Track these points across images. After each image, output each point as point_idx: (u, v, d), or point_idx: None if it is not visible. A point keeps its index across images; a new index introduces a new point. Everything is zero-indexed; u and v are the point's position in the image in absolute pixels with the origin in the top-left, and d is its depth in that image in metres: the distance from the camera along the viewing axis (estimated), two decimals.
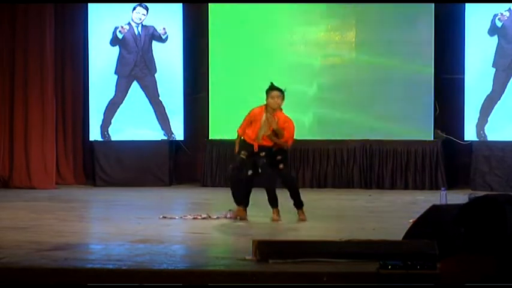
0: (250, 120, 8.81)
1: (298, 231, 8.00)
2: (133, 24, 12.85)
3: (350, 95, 12.59)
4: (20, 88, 12.62)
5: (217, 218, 8.94)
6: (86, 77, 13.03)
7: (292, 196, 8.85)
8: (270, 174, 8.77)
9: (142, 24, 12.87)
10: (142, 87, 12.90)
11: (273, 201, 8.79)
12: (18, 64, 12.63)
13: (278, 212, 8.81)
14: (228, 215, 8.95)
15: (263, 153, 8.70)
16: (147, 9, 12.86)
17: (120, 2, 12.90)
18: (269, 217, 8.85)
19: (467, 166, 12.37)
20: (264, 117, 8.71)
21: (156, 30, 12.83)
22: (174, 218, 8.94)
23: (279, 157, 8.76)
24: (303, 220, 8.76)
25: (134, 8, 12.85)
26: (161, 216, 9.00)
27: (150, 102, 12.89)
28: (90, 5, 12.83)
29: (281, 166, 8.79)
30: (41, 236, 7.67)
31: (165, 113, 12.89)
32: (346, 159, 12.53)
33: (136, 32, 12.86)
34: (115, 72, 12.89)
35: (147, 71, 12.86)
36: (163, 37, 12.83)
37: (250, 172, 8.68)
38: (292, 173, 9.09)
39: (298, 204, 8.85)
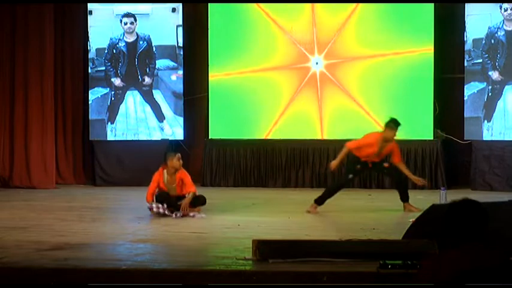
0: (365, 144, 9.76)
1: (297, 231, 7.99)
2: (127, 35, 12.84)
3: (350, 94, 12.58)
4: (20, 88, 12.63)
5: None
6: (86, 77, 13.03)
7: (401, 190, 9.84)
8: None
9: (136, 33, 12.85)
10: (140, 91, 12.93)
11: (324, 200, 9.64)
12: (18, 64, 12.64)
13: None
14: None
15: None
16: (133, 16, 12.83)
17: (119, 2, 12.90)
18: (268, 217, 8.89)
19: (467, 166, 12.37)
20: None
21: (150, 43, 12.82)
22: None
23: (385, 164, 9.97)
24: (412, 211, 9.29)
25: (121, 21, 12.84)
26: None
27: (147, 102, 12.90)
28: (90, 4, 12.85)
29: (386, 165, 9.98)
30: (41, 235, 7.68)
31: (161, 112, 12.91)
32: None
33: (130, 41, 12.85)
34: (113, 75, 12.90)
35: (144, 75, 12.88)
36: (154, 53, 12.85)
37: (351, 176, 10.14)
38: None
39: (406, 197, 9.79)
